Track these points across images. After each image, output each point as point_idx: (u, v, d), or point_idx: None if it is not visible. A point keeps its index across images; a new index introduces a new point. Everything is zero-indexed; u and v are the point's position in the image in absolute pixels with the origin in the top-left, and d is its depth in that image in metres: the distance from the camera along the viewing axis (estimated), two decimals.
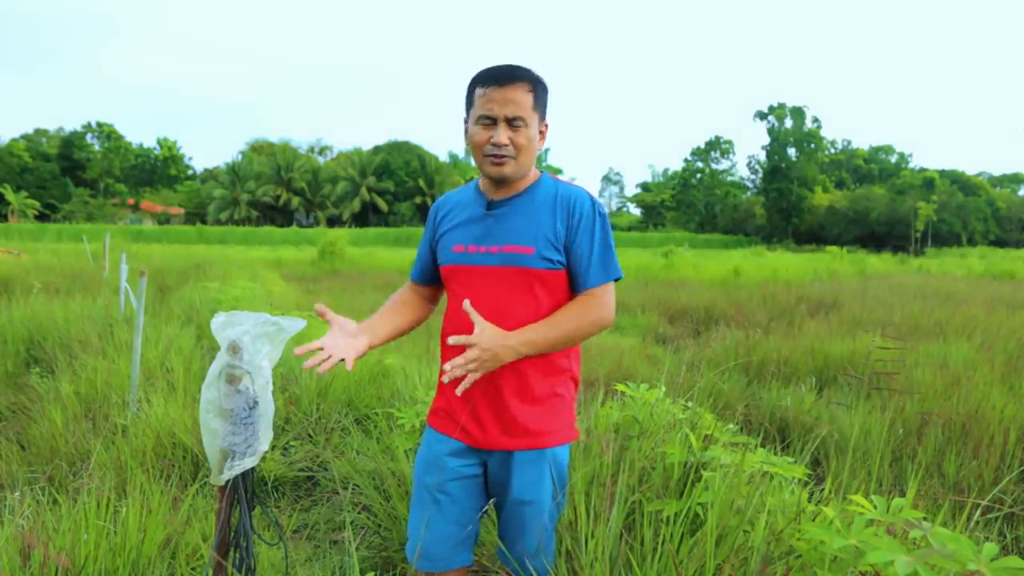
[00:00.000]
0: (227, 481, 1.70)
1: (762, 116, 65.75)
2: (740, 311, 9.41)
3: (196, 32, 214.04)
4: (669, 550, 1.69)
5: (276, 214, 68.09)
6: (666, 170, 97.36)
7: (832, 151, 75.80)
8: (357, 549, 2.66)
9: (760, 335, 6.97)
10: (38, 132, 74.62)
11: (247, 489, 1.77)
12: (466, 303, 1.56)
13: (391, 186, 66.64)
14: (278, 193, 66.31)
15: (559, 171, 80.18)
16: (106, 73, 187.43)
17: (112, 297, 7.25)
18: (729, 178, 75.63)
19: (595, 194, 1.74)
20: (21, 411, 3.98)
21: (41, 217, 59.43)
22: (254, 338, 1.65)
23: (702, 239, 60.67)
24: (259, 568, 2.24)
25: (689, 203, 74.24)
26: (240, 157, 71.28)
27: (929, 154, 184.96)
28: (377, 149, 71.15)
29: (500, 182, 1.65)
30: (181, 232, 48.49)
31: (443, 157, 75.75)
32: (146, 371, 4.37)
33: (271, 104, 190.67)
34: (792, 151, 64.42)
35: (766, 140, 68.11)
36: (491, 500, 1.79)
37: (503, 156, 1.60)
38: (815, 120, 65.27)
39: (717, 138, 74.80)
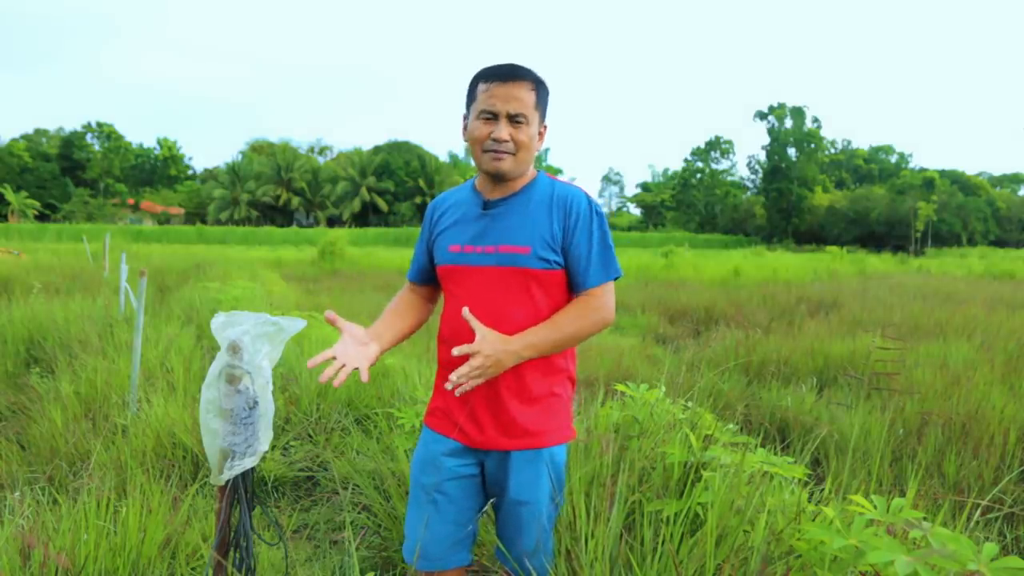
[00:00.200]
0: (227, 481, 1.70)
1: (762, 116, 65.76)
2: (740, 311, 9.41)
3: (196, 32, 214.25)
4: (669, 550, 1.69)
5: (276, 214, 68.10)
6: (666, 170, 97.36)
7: (832, 151, 75.81)
8: (357, 549, 2.66)
9: (760, 335, 6.97)
10: (38, 132, 74.64)
11: (247, 489, 1.77)
12: (465, 310, 1.56)
13: (391, 186, 66.65)
14: (278, 193, 66.32)
15: (559, 171, 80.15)
16: (106, 73, 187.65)
17: (112, 297, 7.26)
18: (729, 178, 75.62)
19: (595, 194, 1.74)
20: (21, 411, 3.98)
21: (41, 217, 59.43)
22: (254, 338, 1.65)
23: (702, 239, 60.66)
24: (259, 568, 2.24)
25: (689, 203, 74.24)
26: (240, 157, 71.30)
27: (929, 154, 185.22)
28: (377, 149, 71.16)
29: (497, 179, 1.65)
30: (181, 232, 48.50)
31: (443, 157, 75.77)
32: (146, 371, 4.37)
33: (271, 104, 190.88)
34: (792, 151, 64.43)
35: (766, 140, 68.15)
36: (490, 500, 1.79)
37: (502, 152, 1.60)
38: (815, 120, 65.30)
39: (717, 138, 74.80)
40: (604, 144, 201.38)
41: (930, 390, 4.45)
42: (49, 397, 3.96)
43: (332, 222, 67.73)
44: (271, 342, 1.68)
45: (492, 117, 1.60)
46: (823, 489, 2.29)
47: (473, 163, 1.70)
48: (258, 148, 77.07)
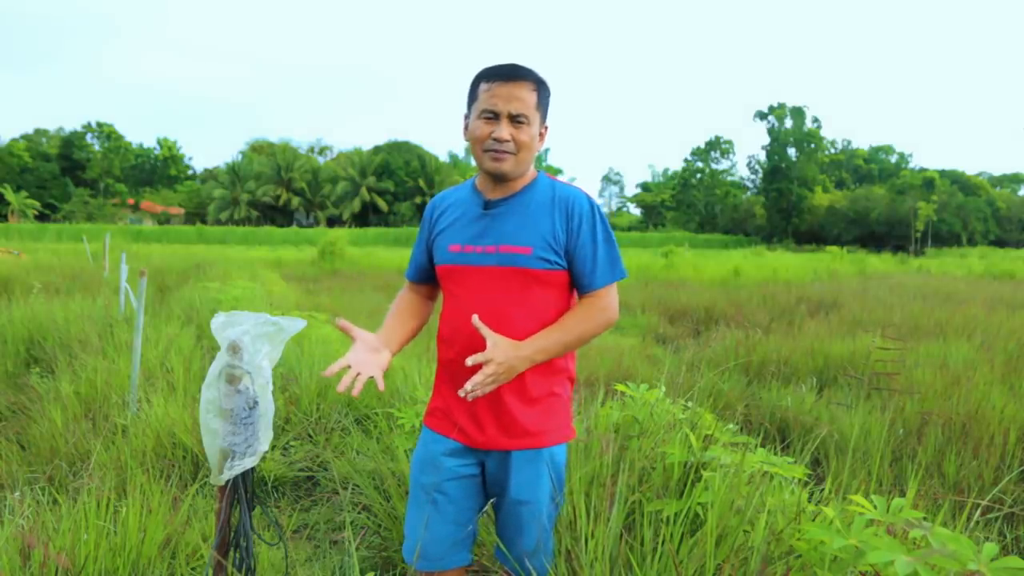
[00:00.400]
0: (227, 481, 1.71)
1: (762, 116, 65.77)
2: (740, 311, 9.41)
3: (196, 32, 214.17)
4: (669, 550, 1.69)
5: (276, 214, 68.10)
6: (666, 170, 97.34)
7: (832, 151, 75.78)
8: (357, 549, 2.66)
9: (760, 335, 6.97)
10: (38, 132, 74.60)
11: (247, 489, 1.77)
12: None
13: (391, 186, 66.65)
14: (278, 193, 66.32)
15: (559, 171, 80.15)
16: (106, 73, 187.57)
17: (112, 297, 7.26)
18: (729, 178, 75.61)
19: (595, 194, 1.75)
20: (21, 411, 3.98)
21: (41, 217, 59.42)
22: (254, 338, 1.65)
23: (702, 239, 60.66)
24: (259, 568, 2.24)
25: (689, 203, 74.23)
26: (240, 157, 71.27)
27: (929, 154, 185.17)
28: (377, 149, 71.14)
29: (498, 179, 1.65)
30: (181, 232, 48.50)
31: (443, 157, 75.78)
32: (146, 371, 4.37)
33: (271, 104, 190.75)
34: (792, 151, 64.44)
35: (766, 140, 68.13)
36: (489, 500, 1.79)
37: (503, 152, 1.60)
38: (815, 120, 65.31)
39: (717, 138, 74.79)
40: (604, 144, 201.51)
41: (930, 390, 4.46)
42: (49, 397, 3.96)
43: (332, 222, 67.73)
44: (271, 342, 1.69)
45: (493, 117, 1.60)
46: (823, 489, 2.29)
47: (473, 163, 1.70)
48: (258, 148, 77.05)
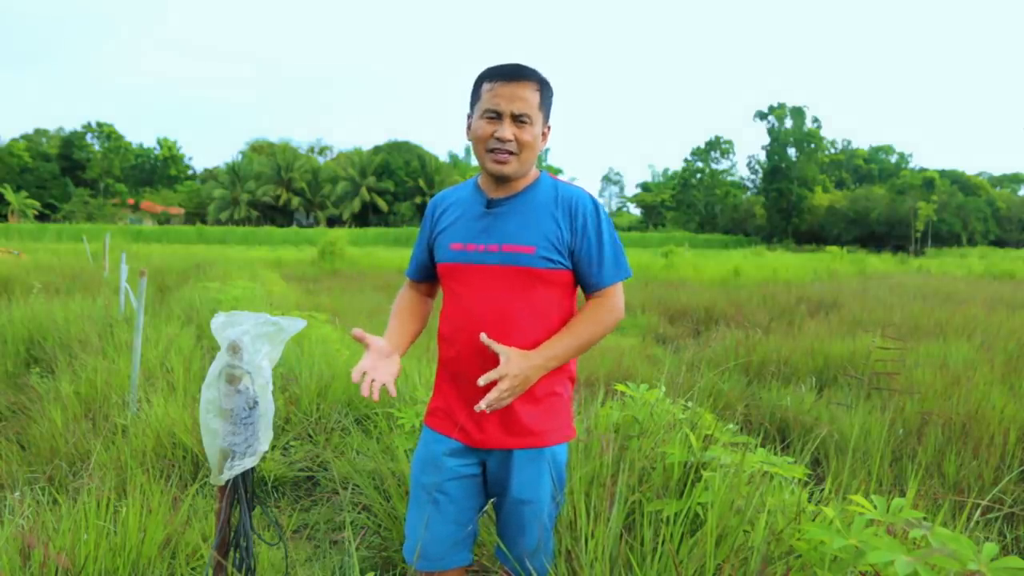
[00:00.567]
0: (227, 481, 1.71)
1: (762, 116, 65.75)
2: (740, 311, 9.41)
3: (196, 32, 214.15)
4: (669, 550, 1.69)
5: (276, 214, 68.09)
6: (666, 170, 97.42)
7: (832, 151, 75.77)
8: (357, 549, 2.66)
9: (760, 335, 6.97)
10: (38, 132, 74.58)
11: (247, 489, 1.77)
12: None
13: (391, 186, 66.64)
14: (278, 193, 66.31)
15: (559, 171, 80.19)
16: (106, 73, 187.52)
17: (112, 297, 7.26)
18: (729, 178, 75.59)
19: (595, 194, 1.75)
20: (21, 411, 3.98)
21: (41, 217, 59.42)
22: (254, 338, 1.65)
23: (702, 239, 60.65)
24: (259, 568, 2.24)
25: (689, 203, 74.22)
26: (240, 157, 71.27)
27: (929, 154, 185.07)
28: (377, 149, 71.13)
29: (500, 180, 1.66)
30: (181, 232, 48.49)
31: (443, 157, 75.79)
32: (146, 371, 4.37)
33: (271, 104, 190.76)
34: (792, 151, 64.42)
35: (766, 140, 68.09)
36: (490, 500, 1.80)
37: (506, 152, 1.60)
38: (815, 120, 65.29)
39: (717, 138, 74.77)
40: (604, 144, 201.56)
41: (930, 390, 4.46)
42: (49, 397, 3.96)
43: (332, 222, 67.73)
44: (271, 342, 1.69)
45: (496, 116, 1.60)
46: (823, 489, 2.29)
47: (473, 162, 1.71)
48: (258, 148, 77.04)
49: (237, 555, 1.78)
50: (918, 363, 5.35)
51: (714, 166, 75.04)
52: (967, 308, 9.13)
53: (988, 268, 21.93)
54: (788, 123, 64.65)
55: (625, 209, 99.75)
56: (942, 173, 65.26)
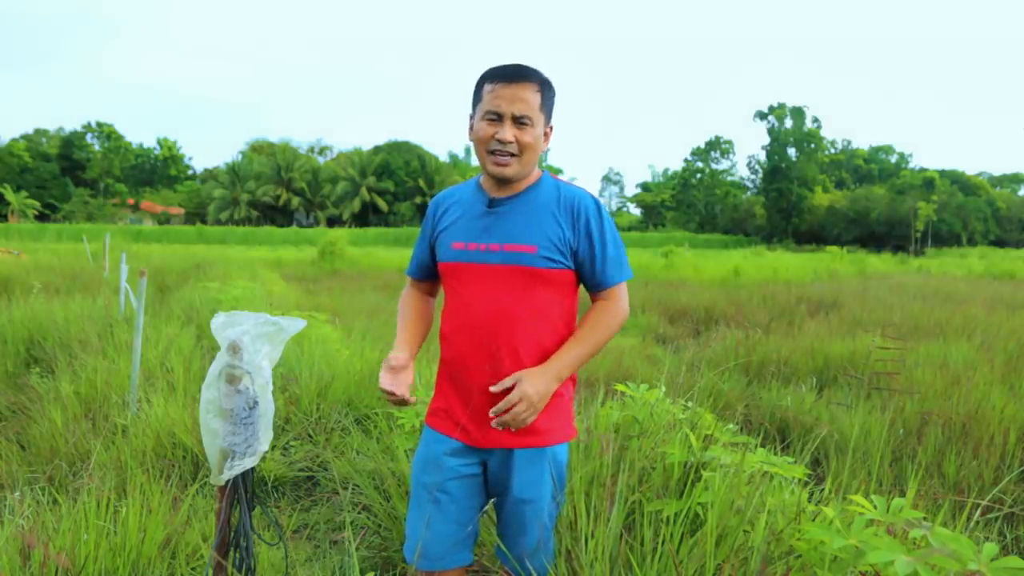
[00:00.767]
0: (227, 481, 1.71)
1: (762, 116, 65.75)
2: (740, 311, 9.41)
3: (196, 32, 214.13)
4: (669, 550, 1.69)
5: (276, 214, 68.09)
6: (666, 170, 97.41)
7: (832, 151, 75.77)
8: (357, 549, 2.66)
9: (760, 335, 6.97)
10: (38, 132, 74.55)
11: (247, 489, 1.77)
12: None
13: (391, 186, 66.64)
14: (278, 193, 66.31)
15: (559, 171, 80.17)
16: (106, 73, 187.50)
17: (112, 297, 7.26)
18: (729, 178, 75.59)
19: (595, 194, 1.76)
20: (21, 411, 3.98)
21: (41, 217, 59.41)
22: (254, 338, 1.65)
23: (702, 239, 60.64)
24: (259, 568, 2.24)
25: (689, 203, 74.22)
26: (240, 157, 71.26)
27: (929, 154, 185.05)
28: (377, 149, 71.13)
29: (502, 181, 1.66)
30: (181, 232, 48.49)
31: (443, 157, 75.80)
32: (146, 371, 4.37)
33: (271, 104, 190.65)
34: (792, 151, 64.41)
35: (766, 140, 68.02)
36: (491, 499, 1.80)
37: (507, 154, 1.60)
38: (815, 120, 65.29)
39: (717, 138, 74.77)
40: (604, 144, 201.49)
41: (930, 390, 4.46)
42: (49, 397, 3.96)
43: (332, 222, 67.73)
44: (271, 342, 1.69)
45: (497, 118, 1.60)
46: (823, 489, 2.29)
47: (474, 162, 1.71)
48: (258, 148, 77.03)
49: (237, 555, 1.78)
50: (918, 363, 5.35)
51: (714, 166, 75.04)
52: (967, 308, 9.13)
53: (988, 268, 21.93)
54: (788, 123, 64.65)
55: (625, 209, 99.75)
56: (942, 173, 65.26)
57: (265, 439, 1.71)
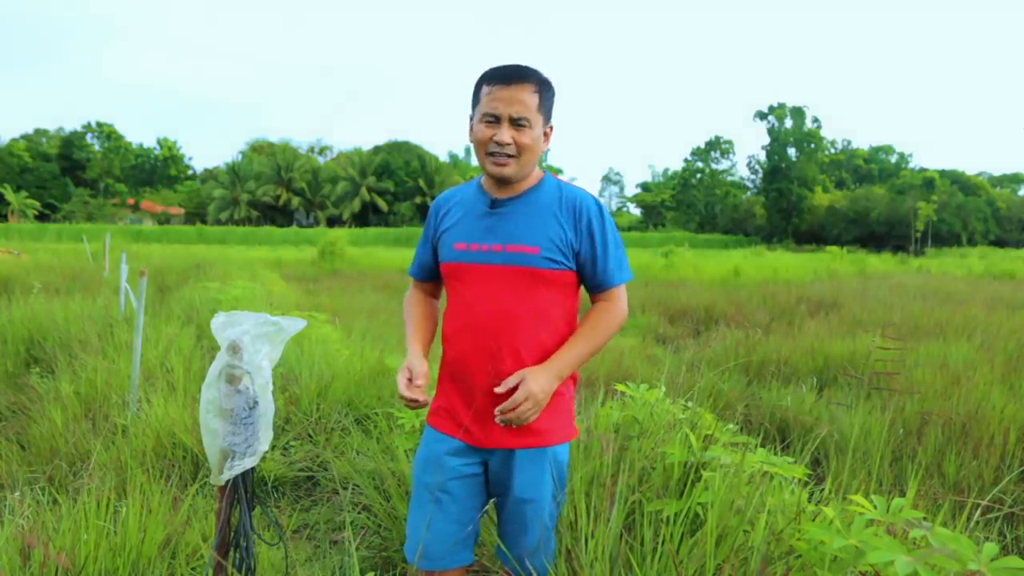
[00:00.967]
0: (227, 481, 1.71)
1: (762, 116, 65.74)
2: (740, 311, 9.41)
3: (196, 32, 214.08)
4: (669, 550, 1.69)
5: (276, 214, 68.08)
6: (666, 170, 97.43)
7: (832, 151, 75.75)
8: (357, 549, 2.66)
9: (760, 335, 6.97)
10: (38, 132, 74.55)
11: (247, 489, 1.77)
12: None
13: (391, 186, 66.64)
14: (278, 193, 66.30)
15: (559, 171, 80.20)
16: (106, 73, 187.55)
17: (112, 297, 7.25)
18: (729, 178, 75.59)
19: (595, 194, 1.76)
20: (21, 411, 3.98)
21: (41, 217, 59.40)
22: (254, 338, 1.65)
23: (702, 239, 60.64)
24: (259, 568, 2.24)
25: (689, 203, 74.22)
26: (240, 157, 71.26)
27: (929, 154, 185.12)
28: (377, 149, 71.12)
29: (502, 181, 1.66)
30: (181, 232, 48.48)
31: (443, 157, 75.79)
32: (146, 371, 4.37)
33: (271, 104, 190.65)
34: (792, 151, 64.41)
35: (766, 140, 68.02)
36: (491, 499, 1.80)
37: (505, 155, 1.60)
38: (815, 120, 65.28)
39: (717, 138, 74.77)
40: (604, 144, 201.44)
41: (930, 390, 4.45)
42: (49, 397, 3.96)
43: (332, 222, 67.72)
44: (271, 342, 1.69)
45: (494, 120, 1.60)
46: (823, 489, 2.29)
47: (474, 162, 1.72)
48: (258, 148, 77.03)
49: (237, 555, 1.78)
50: (918, 363, 5.35)
51: (714, 166, 75.03)
52: (967, 308, 9.13)
53: (988, 268, 21.92)
54: (788, 123, 64.63)
55: (625, 209, 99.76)
56: (942, 173, 65.25)
57: (265, 439, 1.71)
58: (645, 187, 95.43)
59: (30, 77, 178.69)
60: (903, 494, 3.06)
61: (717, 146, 74.80)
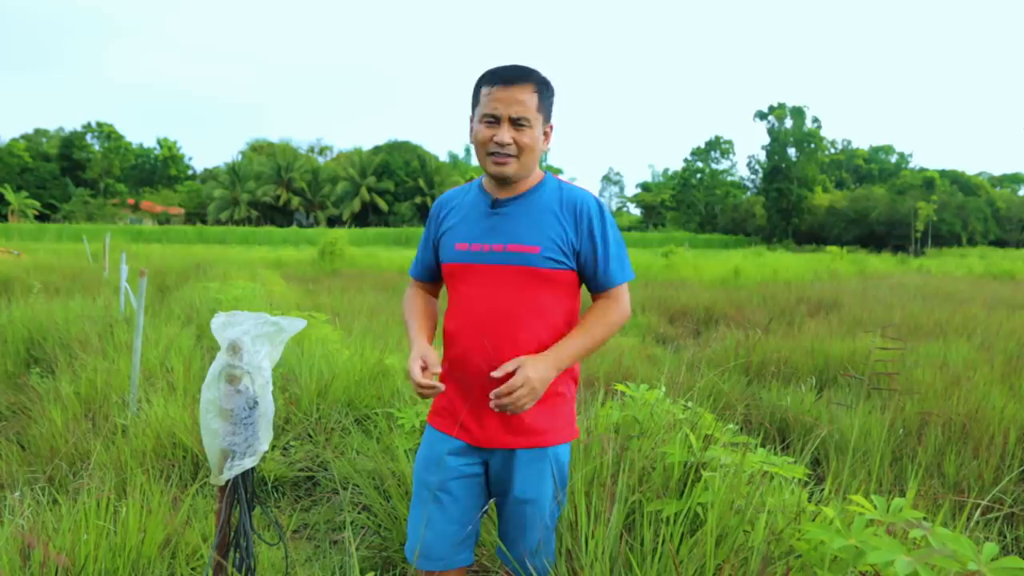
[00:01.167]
0: (227, 481, 1.71)
1: (762, 116, 65.72)
2: (740, 311, 9.41)
3: (197, 32, 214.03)
4: (669, 550, 1.69)
5: (276, 214, 68.07)
6: (666, 170, 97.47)
7: (832, 151, 75.75)
8: (357, 549, 2.66)
9: (760, 335, 6.97)
10: (38, 132, 74.64)
11: (247, 489, 1.77)
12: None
13: (391, 186, 66.62)
14: (278, 193, 66.29)
15: (559, 171, 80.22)
16: (106, 73, 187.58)
17: (112, 297, 7.25)
18: (729, 178, 75.63)
19: (595, 194, 1.76)
20: (21, 411, 3.98)
21: (41, 217, 59.42)
22: (254, 338, 1.65)
23: (702, 239, 60.66)
24: (259, 568, 2.24)
25: (689, 203, 74.23)
26: (240, 157, 71.29)
27: (929, 154, 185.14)
28: (377, 149, 71.12)
29: (502, 181, 1.66)
30: (181, 232, 48.48)
31: (443, 157, 75.83)
32: (146, 371, 4.37)
33: (271, 104, 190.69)
34: (792, 151, 64.39)
35: (766, 140, 68.11)
36: (491, 499, 1.80)
37: (505, 155, 1.61)
38: (815, 120, 65.23)
39: (717, 138, 74.81)
40: (604, 144, 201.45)
41: (930, 390, 4.45)
42: (49, 397, 3.96)
43: (332, 222, 67.72)
44: (271, 342, 1.69)
45: (494, 121, 1.60)
46: (823, 489, 2.29)
47: (474, 162, 1.72)
48: (258, 148, 77.04)
49: (237, 555, 1.78)
50: (918, 363, 5.35)
51: (714, 166, 75.07)
52: (967, 308, 9.13)
53: (988, 268, 21.94)
54: (788, 123, 64.60)
55: (625, 209, 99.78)
56: (942, 173, 65.24)
57: (265, 439, 1.71)
58: (645, 187, 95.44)
59: (30, 77, 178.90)
60: (903, 494, 3.06)
61: (717, 146, 74.82)
